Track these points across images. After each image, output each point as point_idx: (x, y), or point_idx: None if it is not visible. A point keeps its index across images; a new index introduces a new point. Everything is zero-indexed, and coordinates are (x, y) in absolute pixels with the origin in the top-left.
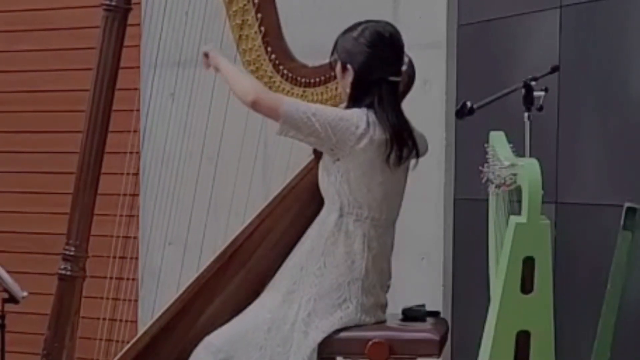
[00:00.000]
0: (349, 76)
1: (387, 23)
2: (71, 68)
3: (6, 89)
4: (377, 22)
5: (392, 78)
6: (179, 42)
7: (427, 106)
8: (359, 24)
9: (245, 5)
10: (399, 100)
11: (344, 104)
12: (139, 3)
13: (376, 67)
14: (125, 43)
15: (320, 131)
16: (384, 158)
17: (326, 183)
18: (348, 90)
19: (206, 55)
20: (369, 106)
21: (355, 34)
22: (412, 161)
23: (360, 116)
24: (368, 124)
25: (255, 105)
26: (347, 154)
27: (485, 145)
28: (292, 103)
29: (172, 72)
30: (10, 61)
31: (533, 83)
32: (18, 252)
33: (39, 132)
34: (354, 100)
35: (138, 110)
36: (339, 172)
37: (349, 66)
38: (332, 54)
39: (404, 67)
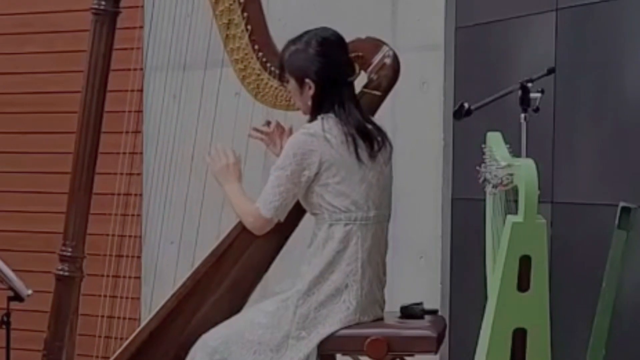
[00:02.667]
0: (309, 89)
1: (326, 27)
2: (76, 70)
3: (12, 91)
4: (316, 29)
5: (349, 78)
6: (181, 44)
7: (425, 107)
8: (300, 36)
9: (231, 5)
10: (357, 98)
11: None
12: (142, 6)
13: (334, 72)
14: (129, 45)
15: (294, 187)
16: (355, 156)
17: (306, 200)
18: (309, 103)
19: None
20: (330, 109)
21: (301, 46)
22: (388, 153)
23: (308, 134)
24: (323, 133)
25: (253, 230)
26: (321, 168)
27: (483, 145)
28: (263, 202)
29: (175, 73)
30: (16, 63)
31: (529, 85)
32: (23, 250)
33: (45, 133)
34: (318, 110)
35: (141, 111)
36: (319, 187)
37: (307, 80)
38: (282, 73)
39: (388, 61)
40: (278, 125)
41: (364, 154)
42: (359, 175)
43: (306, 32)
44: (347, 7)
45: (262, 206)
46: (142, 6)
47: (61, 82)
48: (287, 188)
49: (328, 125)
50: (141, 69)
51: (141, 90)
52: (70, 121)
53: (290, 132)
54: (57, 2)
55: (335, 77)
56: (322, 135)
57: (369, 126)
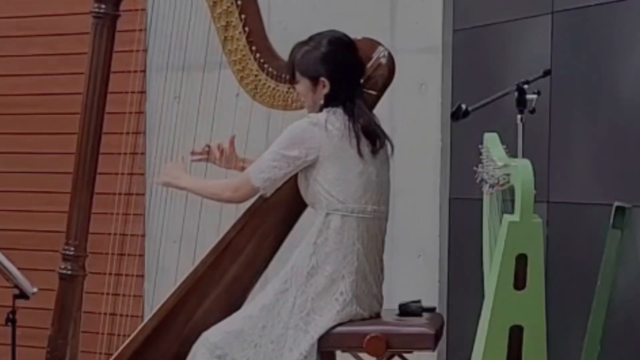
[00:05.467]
0: (324, 88)
1: (334, 30)
2: (79, 72)
3: (17, 92)
4: (325, 31)
5: (360, 79)
6: (183, 47)
7: (423, 108)
8: (309, 39)
9: (229, 7)
10: (365, 98)
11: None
12: (143, 9)
13: (346, 70)
14: (132, 48)
15: (288, 166)
16: (356, 149)
17: (306, 188)
18: (321, 101)
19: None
20: (338, 105)
21: (313, 46)
22: (388, 152)
23: (310, 121)
24: (324, 123)
25: (233, 199)
26: (319, 156)
27: (480, 146)
28: (255, 170)
29: (177, 75)
30: (20, 65)
31: (525, 86)
32: (28, 249)
33: (48, 134)
34: (328, 107)
35: (143, 112)
36: (318, 174)
37: (322, 78)
38: (293, 75)
39: (384, 61)
40: (218, 146)
41: (365, 149)
42: (359, 168)
43: (316, 35)
44: (347, 10)
45: (253, 174)
46: (144, 9)
47: (64, 83)
48: (280, 165)
49: (332, 118)
50: (143, 71)
51: (143, 92)
52: (73, 122)
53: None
54: (59, 5)
55: (347, 75)
56: (324, 126)
57: (375, 126)
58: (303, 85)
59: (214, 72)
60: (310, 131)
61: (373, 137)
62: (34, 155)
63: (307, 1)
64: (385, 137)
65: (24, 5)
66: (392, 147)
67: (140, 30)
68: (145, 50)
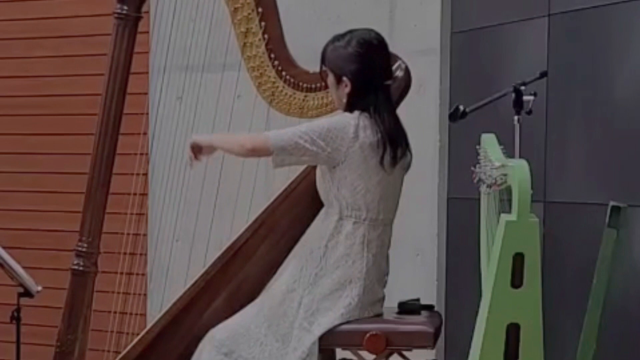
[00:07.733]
0: (346, 87)
1: (371, 30)
2: (84, 73)
3: (23, 94)
4: (362, 30)
5: (386, 82)
6: (186, 49)
7: (422, 109)
8: (344, 34)
9: (249, 14)
10: (392, 103)
11: (339, 111)
12: (147, 12)
13: (371, 74)
14: (135, 49)
15: (310, 149)
16: (378, 159)
17: (324, 189)
18: (344, 100)
19: (193, 150)
20: (364, 109)
21: (343, 44)
22: (407, 161)
23: (348, 122)
24: (357, 128)
25: (252, 152)
26: (342, 160)
27: (477, 146)
28: (276, 135)
29: (179, 76)
30: (26, 67)
31: (522, 88)
32: (33, 248)
33: (54, 135)
34: (352, 108)
35: (147, 113)
36: (337, 178)
37: (344, 78)
38: (322, 65)
39: (400, 74)
40: None
41: (387, 157)
42: (377, 178)
43: (350, 31)
44: (346, 12)
45: (273, 135)
46: (147, 11)
47: (68, 85)
48: (303, 146)
49: (364, 123)
50: (146, 72)
51: (146, 93)
52: (77, 123)
53: None
54: (64, 8)
55: (370, 79)
56: (356, 131)
57: (399, 135)
58: (330, 79)
59: (216, 73)
60: (346, 131)
61: (396, 146)
62: (39, 155)
63: (307, 3)
64: (407, 146)
65: (28, 8)
66: (411, 154)
67: (144, 32)
68: (149, 52)
